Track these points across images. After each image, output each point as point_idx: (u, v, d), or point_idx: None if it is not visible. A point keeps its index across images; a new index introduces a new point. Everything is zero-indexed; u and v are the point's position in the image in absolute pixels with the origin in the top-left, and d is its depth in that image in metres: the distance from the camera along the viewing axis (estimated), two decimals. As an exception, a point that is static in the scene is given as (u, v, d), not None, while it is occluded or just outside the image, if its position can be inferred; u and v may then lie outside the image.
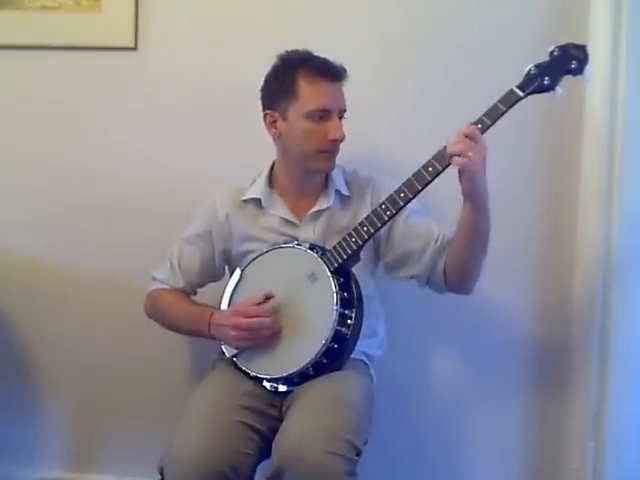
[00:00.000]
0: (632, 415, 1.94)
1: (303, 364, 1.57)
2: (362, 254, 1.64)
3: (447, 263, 1.66)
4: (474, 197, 1.52)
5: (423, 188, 1.53)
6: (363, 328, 1.63)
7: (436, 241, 1.68)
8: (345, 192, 1.76)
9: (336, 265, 1.60)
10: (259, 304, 1.62)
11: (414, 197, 1.55)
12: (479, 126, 1.49)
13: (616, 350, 1.92)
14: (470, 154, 1.46)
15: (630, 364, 1.93)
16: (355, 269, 1.65)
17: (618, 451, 1.94)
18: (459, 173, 1.49)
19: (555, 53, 1.48)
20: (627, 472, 1.94)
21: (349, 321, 1.59)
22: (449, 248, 1.65)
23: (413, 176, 1.54)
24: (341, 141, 1.67)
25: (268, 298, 1.63)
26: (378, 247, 1.76)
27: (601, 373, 1.94)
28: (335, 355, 1.59)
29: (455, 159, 1.47)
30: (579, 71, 1.46)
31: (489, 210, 1.55)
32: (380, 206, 1.58)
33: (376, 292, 1.82)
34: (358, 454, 1.48)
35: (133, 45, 2.07)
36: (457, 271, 1.65)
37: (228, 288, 1.73)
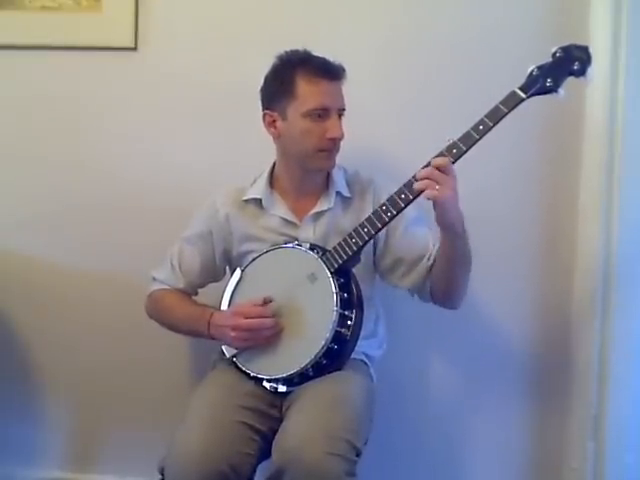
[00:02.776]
0: (632, 415, 1.94)
1: (303, 365, 1.57)
2: (363, 255, 1.64)
3: (432, 282, 1.68)
4: (447, 227, 1.54)
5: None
6: (363, 329, 1.63)
7: (429, 258, 1.68)
8: (346, 194, 1.76)
9: (336, 266, 1.60)
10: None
11: (415, 198, 1.54)
12: (454, 151, 1.49)
13: (616, 350, 1.92)
14: (437, 187, 1.46)
15: (630, 364, 1.93)
16: (356, 269, 1.65)
17: (618, 451, 1.94)
18: (433, 205, 1.50)
19: (557, 54, 1.47)
20: (627, 472, 1.94)
21: (349, 322, 1.59)
22: (433, 269, 1.67)
23: (414, 177, 1.53)
24: (340, 140, 1.68)
25: (267, 302, 1.63)
26: (375, 249, 1.75)
27: (601, 373, 1.93)
28: (335, 356, 1.59)
29: (424, 193, 1.48)
30: (582, 72, 1.45)
31: (466, 235, 1.57)
32: (380, 207, 1.58)
33: (376, 292, 1.82)
34: (358, 454, 1.48)
35: (133, 45, 2.07)
36: (442, 291, 1.68)
37: (228, 288, 1.73)
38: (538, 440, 2.05)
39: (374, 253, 1.76)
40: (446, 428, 2.08)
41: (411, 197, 1.54)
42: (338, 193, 1.75)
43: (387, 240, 1.73)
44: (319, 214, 1.74)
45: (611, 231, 1.89)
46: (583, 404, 1.96)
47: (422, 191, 1.48)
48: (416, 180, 1.50)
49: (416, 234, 1.71)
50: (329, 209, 1.73)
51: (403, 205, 1.55)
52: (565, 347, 1.99)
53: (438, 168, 1.47)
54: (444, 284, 1.66)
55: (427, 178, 1.48)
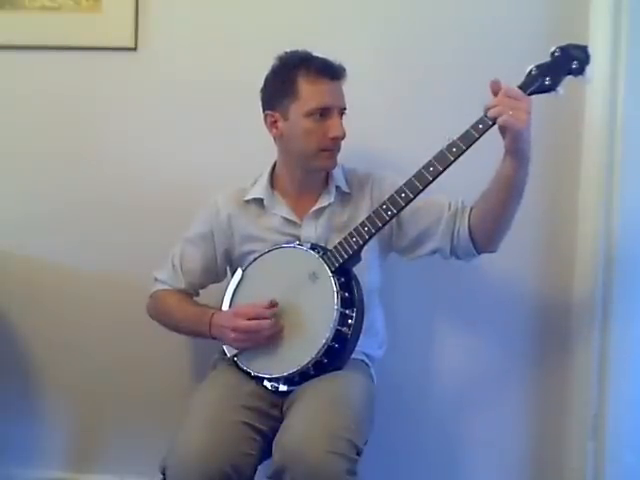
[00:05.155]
0: (632, 415, 1.94)
1: (304, 363, 1.57)
2: (371, 243, 1.63)
3: (475, 221, 1.64)
4: (517, 154, 1.49)
5: (424, 188, 1.54)
6: (364, 327, 1.63)
7: (449, 208, 1.67)
8: (345, 189, 1.76)
9: (337, 265, 1.60)
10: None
11: (415, 197, 1.55)
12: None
13: (616, 350, 1.92)
14: (510, 112, 1.44)
15: (630, 364, 1.93)
16: (366, 259, 1.64)
17: (618, 451, 1.94)
18: (501, 131, 1.47)
19: (556, 54, 1.48)
20: (627, 472, 1.94)
21: (350, 321, 1.59)
22: (481, 204, 1.63)
23: (414, 176, 1.54)
24: (342, 139, 1.68)
25: (273, 305, 1.62)
26: (390, 238, 1.75)
27: (601, 373, 1.94)
28: (336, 355, 1.59)
29: (499, 119, 1.45)
30: (580, 72, 1.46)
31: (529, 165, 1.53)
32: (381, 206, 1.58)
33: (378, 288, 1.81)
34: (358, 453, 1.48)
35: (133, 45, 2.07)
36: (488, 228, 1.63)
37: (229, 288, 1.73)
38: (538, 440, 2.05)
39: (387, 243, 1.76)
40: (446, 428, 2.08)
41: (411, 196, 1.54)
42: (338, 188, 1.75)
43: (400, 224, 1.72)
44: (320, 211, 1.74)
45: (611, 230, 1.90)
46: (583, 404, 1.97)
47: (495, 120, 1.46)
48: (486, 115, 1.48)
49: (424, 202, 1.67)
50: (329, 204, 1.74)
51: (404, 204, 1.56)
52: (565, 346, 1.99)
53: (508, 95, 1.46)
54: (495, 218, 1.60)
55: (499, 106, 1.45)
